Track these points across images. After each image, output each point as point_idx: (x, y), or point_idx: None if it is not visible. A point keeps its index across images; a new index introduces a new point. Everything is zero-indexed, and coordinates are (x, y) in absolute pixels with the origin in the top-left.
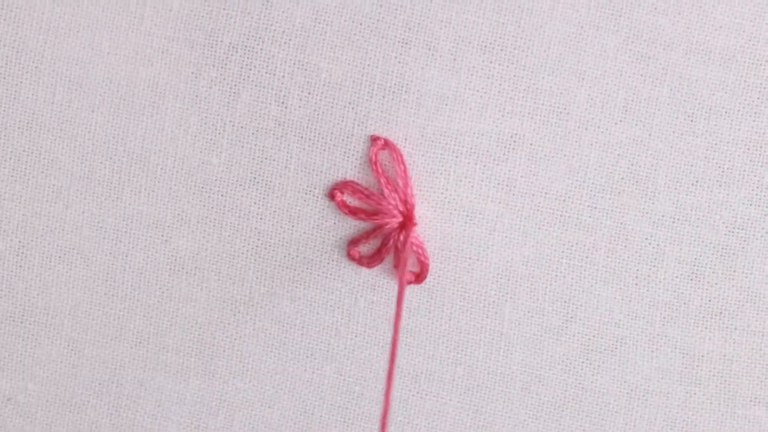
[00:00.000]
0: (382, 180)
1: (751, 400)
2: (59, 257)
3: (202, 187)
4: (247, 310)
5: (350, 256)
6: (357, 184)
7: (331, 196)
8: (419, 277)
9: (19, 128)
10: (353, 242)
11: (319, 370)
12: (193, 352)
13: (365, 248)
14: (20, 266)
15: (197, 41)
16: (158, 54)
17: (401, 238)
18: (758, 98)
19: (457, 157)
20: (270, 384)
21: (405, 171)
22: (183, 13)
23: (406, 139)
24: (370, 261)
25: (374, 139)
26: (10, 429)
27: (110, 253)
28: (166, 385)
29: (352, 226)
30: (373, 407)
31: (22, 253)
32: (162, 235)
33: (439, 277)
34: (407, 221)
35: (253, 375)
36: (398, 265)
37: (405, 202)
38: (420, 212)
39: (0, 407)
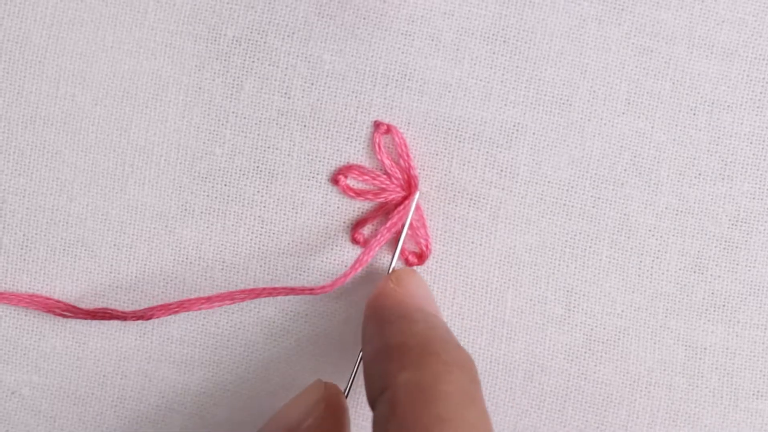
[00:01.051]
0: (386, 162)
1: (754, 393)
2: (63, 249)
3: (206, 178)
4: (251, 299)
5: (354, 241)
6: (362, 167)
7: (335, 181)
8: (421, 256)
9: (23, 122)
10: (357, 226)
11: (323, 357)
12: (197, 342)
13: (368, 232)
14: (25, 259)
15: (201, 35)
16: (162, 47)
17: (408, 204)
18: (761, 92)
19: (460, 143)
20: (274, 373)
21: (407, 151)
22: (186, 7)
23: (409, 125)
24: None
25: (377, 125)
26: (15, 422)
27: (114, 245)
28: (170, 376)
29: (355, 210)
30: None
31: (27, 245)
32: (166, 226)
33: (441, 261)
34: (411, 190)
35: (258, 364)
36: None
37: (408, 178)
38: (423, 196)
39: (5, 400)
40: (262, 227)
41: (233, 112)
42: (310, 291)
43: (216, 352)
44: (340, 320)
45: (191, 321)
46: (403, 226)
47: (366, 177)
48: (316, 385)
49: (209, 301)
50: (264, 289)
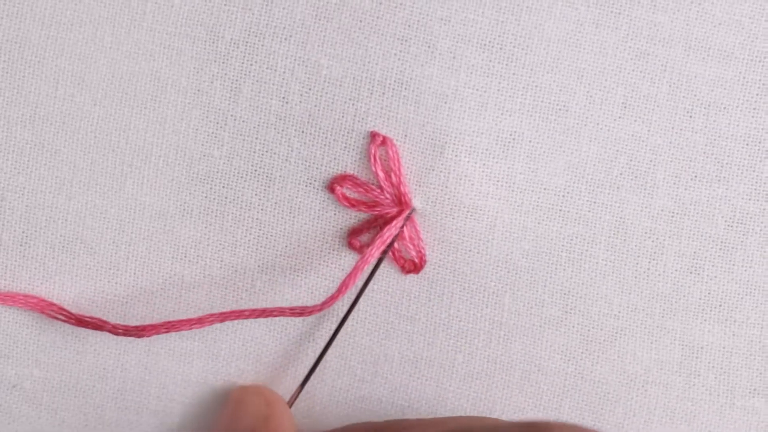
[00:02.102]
0: (381, 175)
1: (749, 391)
2: (62, 247)
3: (204, 179)
4: (250, 298)
5: (351, 246)
6: (356, 178)
7: (331, 189)
8: (417, 266)
9: (22, 121)
10: (354, 232)
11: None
12: (196, 336)
13: (365, 238)
14: (23, 256)
15: (199, 37)
16: (160, 49)
17: (396, 223)
18: (757, 94)
19: (456, 154)
20: (273, 366)
21: (399, 168)
22: (184, 9)
23: (405, 136)
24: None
25: (373, 135)
26: (16, 415)
27: (113, 243)
28: (170, 368)
29: (352, 216)
30: (375, 390)
31: (26, 243)
32: (165, 225)
33: (439, 267)
34: (402, 209)
35: (256, 357)
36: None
37: (400, 194)
38: (419, 207)
39: (6, 394)
40: (260, 229)
41: (232, 115)
42: (300, 313)
43: (215, 345)
44: (338, 319)
45: (190, 316)
46: (390, 244)
47: (360, 189)
48: (256, 393)
49: (200, 321)
50: (254, 310)
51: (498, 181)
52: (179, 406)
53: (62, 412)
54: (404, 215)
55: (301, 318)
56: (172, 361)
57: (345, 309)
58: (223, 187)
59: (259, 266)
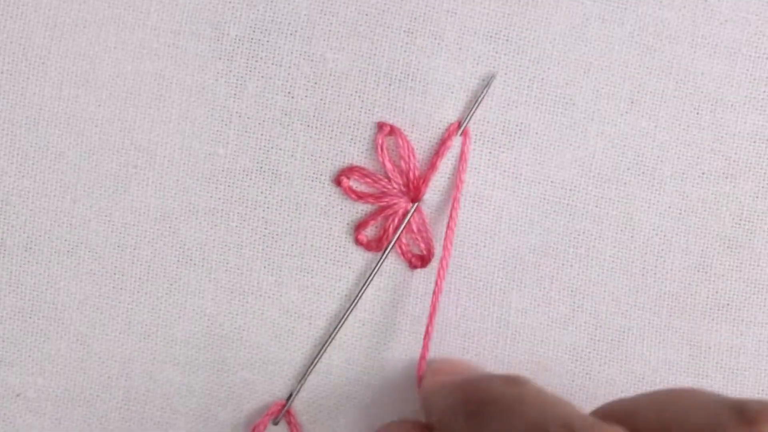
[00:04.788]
0: (388, 165)
1: (758, 392)
2: (67, 251)
3: (209, 178)
4: (255, 300)
5: (357, 241)
6: (363, 169)
7: (338, 182)
8: (424, 259)
9: (26, 123)
10: (360, 226)
11: (327, 359)
12: (201, 344)
13: (371, 232)
14: (28, 261)
15: (203, 34)
16: (164, 48)
17: (406, 216)
18: (764, 91)
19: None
20: (278, 374)
21: (409, 153)
22: (189, 7)
23: (413, 126)
24: (377, 244)
25: (381, 126)
26: (19, 424)
27: (118, 246)
28: (174, 378)
29: (358, 211)
30: (381, 396)
31: (30, 248)
32: (169, 227)
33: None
34: (414, 196)
35: (261, 366)
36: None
37: (408, 183)
38: (426, 198)
39: (9, 402)
40: (265, 228)
41: (237, 113)
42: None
43: (220, 354)
44: (345, 321)
45: (195, 323)
46: (397, 237)
47: (367, 180)
48: None
49: None
50: None
51: (504, 171)
52: (183, 417)
53: (66, 422)
54: (415, 203)
55: (308, 327)
56: (176, 371)
57: (347, 308)
58: (228, 186)
59: (264, 268)
